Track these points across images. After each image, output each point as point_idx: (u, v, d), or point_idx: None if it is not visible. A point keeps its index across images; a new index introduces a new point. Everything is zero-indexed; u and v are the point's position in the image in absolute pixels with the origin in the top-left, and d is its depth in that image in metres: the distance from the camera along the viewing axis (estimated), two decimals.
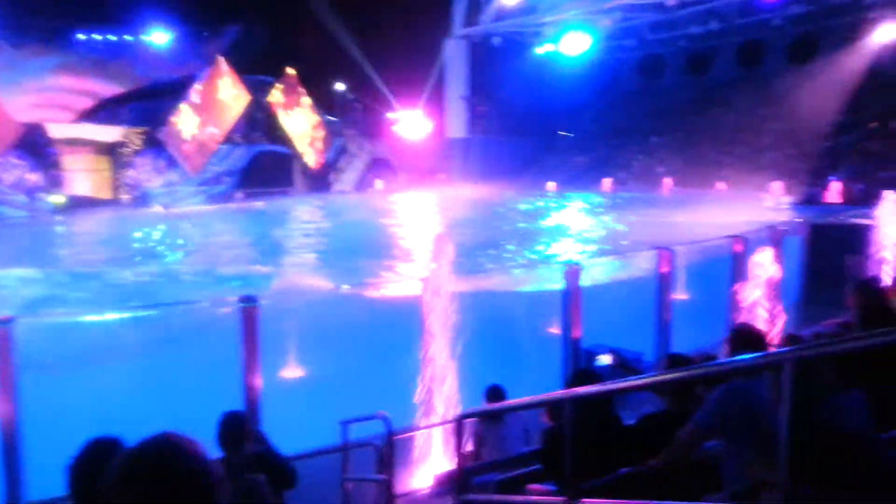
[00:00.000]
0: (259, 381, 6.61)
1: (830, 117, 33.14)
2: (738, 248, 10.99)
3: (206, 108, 37.20)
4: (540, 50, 40.88)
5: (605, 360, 8.95)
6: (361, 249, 19.50)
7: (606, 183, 37.06)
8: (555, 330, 9.49)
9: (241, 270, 17.07)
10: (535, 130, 46.31)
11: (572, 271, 9.11)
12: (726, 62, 43.93)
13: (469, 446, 5.82)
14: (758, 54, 42.17)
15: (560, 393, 3.76)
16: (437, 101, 45.36)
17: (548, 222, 25.99)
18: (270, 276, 15.57)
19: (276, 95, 40.90)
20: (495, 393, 6.05)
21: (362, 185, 43.63)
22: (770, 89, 38.27)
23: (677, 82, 45.80)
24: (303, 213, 33.13)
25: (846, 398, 3.12)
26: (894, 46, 33.79)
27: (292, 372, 8.44)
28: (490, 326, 9.47)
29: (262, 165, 39.32)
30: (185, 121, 36.47)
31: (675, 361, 4.22)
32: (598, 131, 45.96)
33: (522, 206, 31.57)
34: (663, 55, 46.18)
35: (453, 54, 44.69)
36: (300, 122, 41.70)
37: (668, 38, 43.21)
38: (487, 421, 5.85)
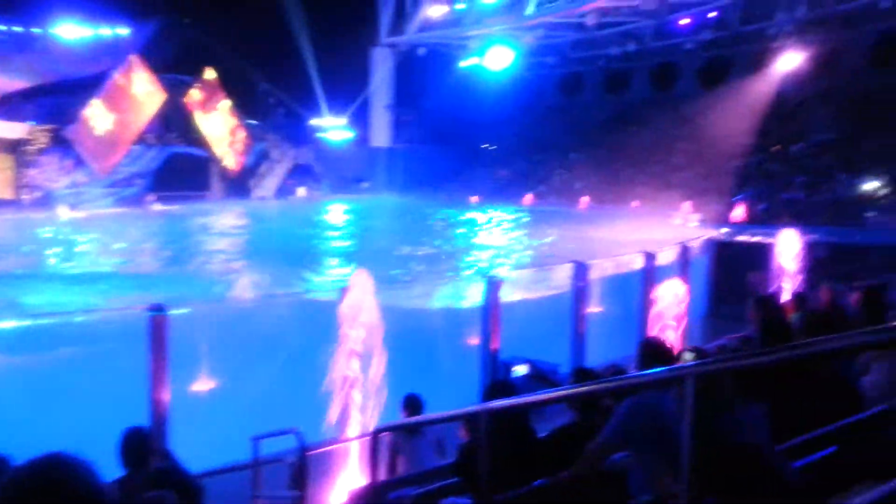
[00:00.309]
0: (167, 395, 6.36)
1: (738, 140, 34.97)
2: (649, 263, 11.39)
3: (118, 106, 35.66)
4: (465, 63, 41.37)
5: (520, 370, 9.08)
6: (277, 257, 19.14)
7: (528, 198, 37.72)
8: (474, 341, 9.57)
9: (148, 277, 16.44)
10: (459, 142, 46.76)
11: (492, 284, 9.24)
12: (642, 83, 45.67)
13: (385, 460, 5.75)
14: (671, 76, 44.07)
15: (475, 406, 3.77)
16: (362, 108, 45.22)
17: (469, 234, 26.21)
18: (179, 282, 15.06)
19: (193, 96, 39.69)
20: (412, 402, 5.92)
21: (284, 191, 42.86)
22: (682, 111, 40.06)
23: (596, 100, 47.24)
24: (218, 218, 32.24)
25: (747, 411, 3.23)
26: (795, 75, 35.95)
27: (203, 385, 8.16)
28: (408, 338, 9.43)
29: (177, 168, 38.01)
30: (96, 118, 34.84)
31: (582, 375, 4.30)
32: (521, 145, 46.81)
33: (445, 218, 31.76)
34: (583, 73, 47.57)
35: (379, 63, 44.67)
36: (219, 125, 40.57)
37: (587, 57, 44.59)
38: (403, 434, 5.76)
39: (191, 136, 39.72)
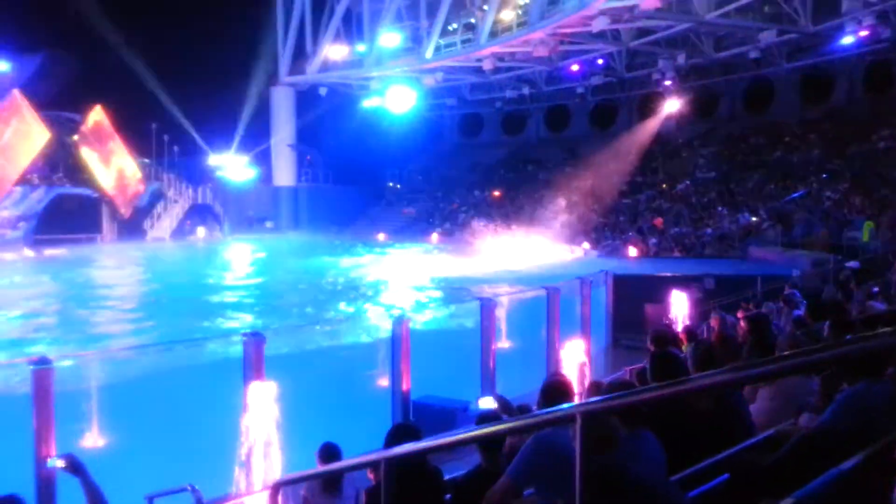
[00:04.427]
0: (53, 453, 5.93)
1: (628, 178, 36.83)
2: (553, 297, 11.67)
3: None
4: (367, 102, 41.61)
5: (487, 403, 8.74)
6: (171, 302, 18.37)
7: (434, 236, 38.10)
8: (384, 382, 9.45)
9: (26, 327, 15.36)
10: (364, 180, 46.80)
11: (400, 323, 9.19)
12: (537, 123, 47.46)
13: None
14: (564, 118, 46.05)
15: (375, 453, 3.73)
16: (265, 147, 44.55)
17: (375, 273, 26.09)
18: (61, 333, 14.17)
19: (81, 134, 37.91)
20: (329, 452, 5.24)
21: (181, 232, 41.36)
22: (575, 150, 41.86)
23: (495, 140, 48.60)
24: (107, 262, 30.66)
25: (640, 444, 3.37)
26: (678, 118, 38.32)
27: (92, 441, 7.65)
28: (316, 382, 9.23)
29: (65, 209, 36.01)
30: None
31: (483, 418, 4.32)
32: (425, 184, 47.36)
33: (349, 257, 31.52)
34: (481, 114, 48.93)
35: (280, 102, 44.29)
36: (109, 163, 38.84)
37: (485, 100, 46.00)
38: (317, 489, 5.35)
39: (79, 175, 37.79)
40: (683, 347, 6.58)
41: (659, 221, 31.17)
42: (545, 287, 11.89)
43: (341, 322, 14.90)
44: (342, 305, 19.08)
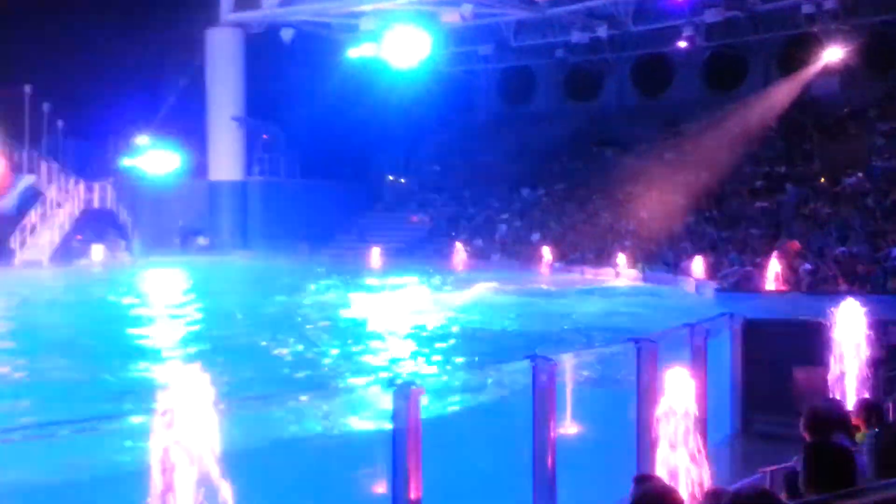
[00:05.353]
0: None
1: (764, 168, 36.63)
2: (646, 354, 11.28)
3: None
4: (355, 52, 41.71)
5: None
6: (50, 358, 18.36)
7: (459, 253, 37.79)
8: (381, 489, 9.29)
9: None
10: (349, 172, 47.00)
11: (408, 395, 8.89)
12: (620, 84, 47.43)
13: None
14: (663, 76, 46.01)
15: None
16: (195, 124, 44.82)
17: (368, 318, 26.00)
18: None
19: None
20: None
21: (68, 252, 41.52)
22: (681, 124, 41.65)
23: (554, 109, 48.54)
24: None
25: None
26: (843, 74, 38.05)
27: None
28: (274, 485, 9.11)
29: None
30: None
31: None
32: (444, 177, 47.34)
33: (327, 293, 31.40)
34: (533, 70, 48.89)
35: (220, 51, 44.66)
36: None
37: (540, 47, 45.97)
38: None
39: None
40: (859, 436, 6.68)
41: (795, 245, 30.49)
42: (634, 339, 11.58)
43: (317, 397, 14.74)
44: (317, 369, 18.98)
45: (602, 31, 42.29)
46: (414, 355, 21.06)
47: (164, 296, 34.40)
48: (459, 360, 20.46)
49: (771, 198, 35.56)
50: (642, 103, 46.56)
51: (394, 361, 20.30)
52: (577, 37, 42.78)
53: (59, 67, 40.43)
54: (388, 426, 8.85)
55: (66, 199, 42.51)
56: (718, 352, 14.06)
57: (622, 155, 42.95)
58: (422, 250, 40.25)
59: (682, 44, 41.66)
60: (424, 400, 9.25)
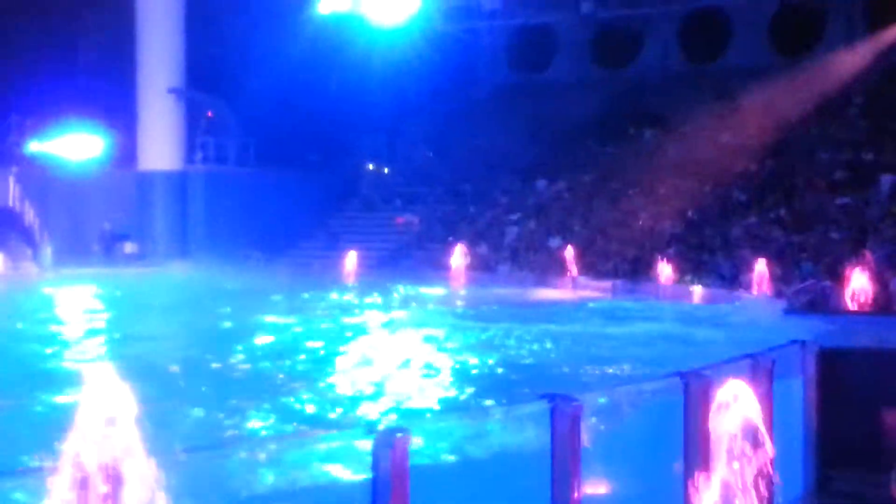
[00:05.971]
0: None
1: (846, 153, 36.84)
2: (695, 392, 11.58)
3: None
4: (325, 6, 41.88)
5: None
6: None
7: (456, 257, 37.91)
8: None
9: None
10: (317, 161, 47.01)
11: (390, 445, 9.16)
12: (663, 46, 47.47)
13: None
14: (716, 35, 46.08)
15: None
16: (121, 99, 44.94)
17: (341, 349, 26.24)
18: None
19: None
20: None
21: None
22: (740, 95, 41.77)
23: (579, 78, 48.64)
24: None
25: None
26: None
27: None
28: None
29: None
30: None
31: None
32: (439, 165, 47.49)
33: (290, 316, 31.57)
34: (553, 29, 49.03)
35: (153, 9, 44.67)
36: None
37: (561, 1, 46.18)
38: None
39: None
40: None
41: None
42: (679, 373, 11.83)
43: (285, 442, 14.97)
44: (280, 413, 19.21)
45: None
46: (399, 397, 21.27)
47: (73, 326, 34.48)
48: (456, 396, 20.68)
49: (855, 192, 35.52)
50: (691, 71, 46.55)
51: (370, 399, 20.56)
52: None
53: None
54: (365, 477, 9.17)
55: None
56: (788, 390, 14.29)
57: (665, 137, 43.05)
58: (409, 259, 40.23)
59: None
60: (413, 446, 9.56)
